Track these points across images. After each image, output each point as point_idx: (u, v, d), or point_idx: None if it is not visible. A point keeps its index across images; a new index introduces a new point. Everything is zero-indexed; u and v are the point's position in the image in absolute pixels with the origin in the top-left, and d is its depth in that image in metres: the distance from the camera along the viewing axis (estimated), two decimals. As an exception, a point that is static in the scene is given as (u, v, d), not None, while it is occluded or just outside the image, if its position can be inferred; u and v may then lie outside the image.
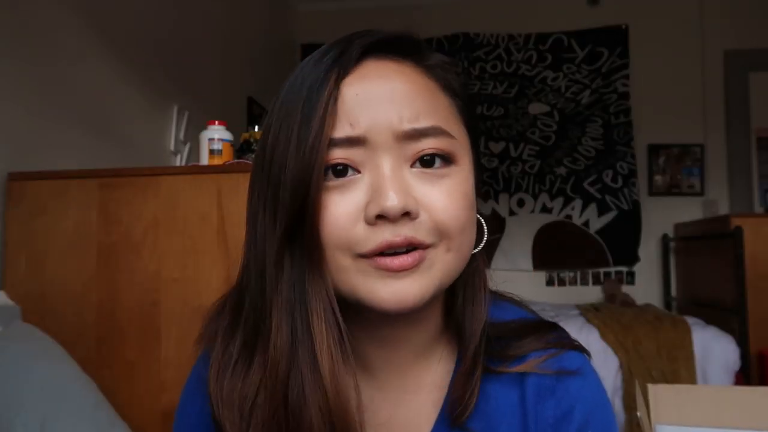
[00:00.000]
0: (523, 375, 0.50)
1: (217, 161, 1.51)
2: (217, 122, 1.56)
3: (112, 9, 1.72)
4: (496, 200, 3.41)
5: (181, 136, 2.09)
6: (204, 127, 1.57)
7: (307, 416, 0.42)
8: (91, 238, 1.25)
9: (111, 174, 1.28)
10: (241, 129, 1.92)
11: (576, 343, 0.53)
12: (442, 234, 0.44)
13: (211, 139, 1.53)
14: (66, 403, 0.93)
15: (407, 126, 0.43)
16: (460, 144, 0.46)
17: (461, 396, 0.48)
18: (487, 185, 3.43)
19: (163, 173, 1.26)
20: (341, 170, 0.43)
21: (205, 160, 1.54)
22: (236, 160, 1.46)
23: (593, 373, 0.52)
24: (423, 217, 0.43)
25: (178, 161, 2.06)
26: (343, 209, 0.43)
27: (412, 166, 0.44)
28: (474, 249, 0.49)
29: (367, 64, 0.45)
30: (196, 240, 1.22)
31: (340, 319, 0.44)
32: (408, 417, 0.51)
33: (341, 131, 0.43)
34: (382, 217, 0.42)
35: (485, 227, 0.49)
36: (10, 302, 1.14)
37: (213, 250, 1.21)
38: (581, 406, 0.49)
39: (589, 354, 0.53)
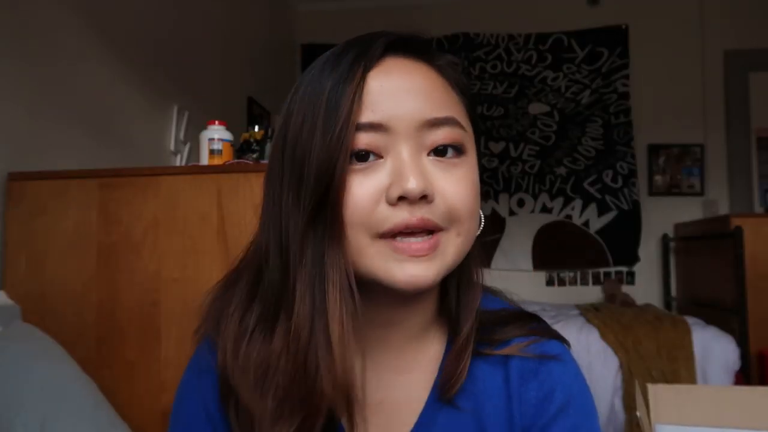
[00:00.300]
0: (507, 358, 0.54)
1: (217, 161, 1.51)
2: (217, 122, 1.56)
3: (112, 9, 1.72)
4: (496, 200, 3.41)
5: (181, 136, 2.09)
6: (204, 127, 1.57)
7: (320, 383, 0.46)
8: (91, 238, 1.25)
9: (111, 174, 1.28)
10: (241, 129, 1.92)
11: (556, 333, 0.57)
12: (453, 218, 0.48)
13: (211, 139, 1.53)
14: (66, 403, 0.93)
15: (428, 115, 0.47)
16: (469, 136, 0.51)
17: (452, 372, 0.52)
18: (487, 185, 3.43)
19: (163, 173, 1.26)
20: (364, 155, 0.47)
21: (205, 160, 1.54)
22: (236, 160, 1.46)
23: (573, 360, 0.56)
24: (438, 201, 0.47)
25: (178, 161, 2.06)
26: (366, 190, 0.46)
27: (428, 154, 0.48)
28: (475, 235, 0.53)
29: (387, 60, 0.49)
30: (196, 240, 1.22)
31: (356, 290, 0.47)
32: (402, 395, 0.55)
33: (365, 117, 0.46)
34: (402, 199, 0.46)
35: (482, 217, 0.53)
36: (10, 302, 1.14)
37: (213, 250, 1.21)
38: (562, 389, 0.53)
39: (568, 344, 0.57)
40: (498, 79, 3.50)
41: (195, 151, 2.14)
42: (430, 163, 0.48)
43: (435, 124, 0.48)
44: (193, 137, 2.11)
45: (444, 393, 0.53)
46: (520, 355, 0.53)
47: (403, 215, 0.46)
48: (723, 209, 3.22)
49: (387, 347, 0.54)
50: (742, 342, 2.22)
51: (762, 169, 3.27)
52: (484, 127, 3.49)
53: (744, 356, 2.21)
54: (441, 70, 0.51)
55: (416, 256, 0.46)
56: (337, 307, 0.46)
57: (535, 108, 3.46)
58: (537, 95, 3.46)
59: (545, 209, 3.38)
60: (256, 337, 0.50)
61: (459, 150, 0.49)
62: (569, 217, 3.35)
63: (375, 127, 0.46)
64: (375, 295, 0.49)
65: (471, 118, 0.53)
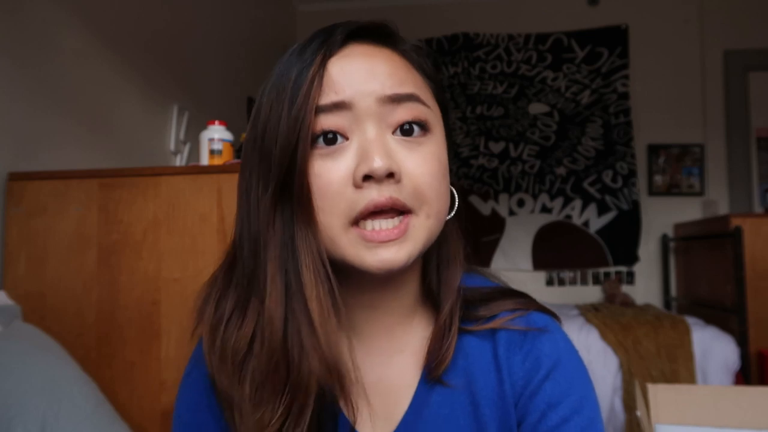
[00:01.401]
0: (494, 332, 0.55)
1: (217, 161, 1.51)
2: (217, 122, 1.56)
3: (111, 9, 1.72)
4: (496, 200, 3.41)
5: (181, 136, 2.09)
6: (204, 127, 1.57)
7: (306, 362, 0.46)
8: (91, 238, 1.25)
9: (111, 174, 1.28)
10: (241, 129, 1.92)
11: (541, 306, 0.57)
12: (421, 199, 0.48)
13: (211, 139, 1.53)
14: (66, 403, 0.93)
15: (389, 91, 0.48)
16: (434, 114, 0.51)
17: (437, 352, 0.53)
18: (487, 185, 3.43)
19: (163, 173, 1.26)
20: (331, 138, 0.47)
21: (205, 160, 1.54)
22: (236, 160, 1.46)
23: (559, 330, 0.56)
24: (405, 181, 0.47)
25: (178, 161, 2.06)
26: (335, 174, 0.47)
27: (393, 133, 0.48)
28: (447, 216, 0.53)
29: (350, 46, 0.50)
30: (196, 240, 1.22)
31: (330, 271, 0.47)
32: (395, 377, 0.55)
33: (328, 98, 0.47)
34: (369, 178, 0.46)
35: (456, 196, 0.54)
36: (10, 302, 1.14)
37: (213, 250, 1.21)
38: (547, 356, 0.53)
39: (556, 316, 0.57)
40: (498, 79, 3.50)
41: (195, 151, 2.14)
42: (395, 141, 0.48)
43: (397, 100, 0.48)
44: (193, 137, 2.11)
45: (431, 373, 0.53)
46: (505, 327, 0.54)
47: (371, 195, 0.46)
48: (723, 209, 3.22)
49: (376, 330, 0.55)
50: (742, 342, 2.22)
51: (762, 169, 3.27)
52: (484, 127, 3.48)
53: (744, 356, 2.21)
54: (405, 54, 0.52)
55: (387, 241, 0.47)
56: (314, 287, 0.46)
57: (535, 108, 3.46)
58: (537, 95, 3.46)
59: (545, 209, 3.38)
60: (232, 324, 0.50)
61: (423, 127, 0.49)
62: (569, 217, 3.35)
63: (338, 106, 0.47)
64: (354, 278, 0.50)
65: (439, 100, 0.53)
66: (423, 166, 0.48)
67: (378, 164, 0.45)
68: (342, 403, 0.48)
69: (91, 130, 1.60)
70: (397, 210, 0.47)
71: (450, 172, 0.53)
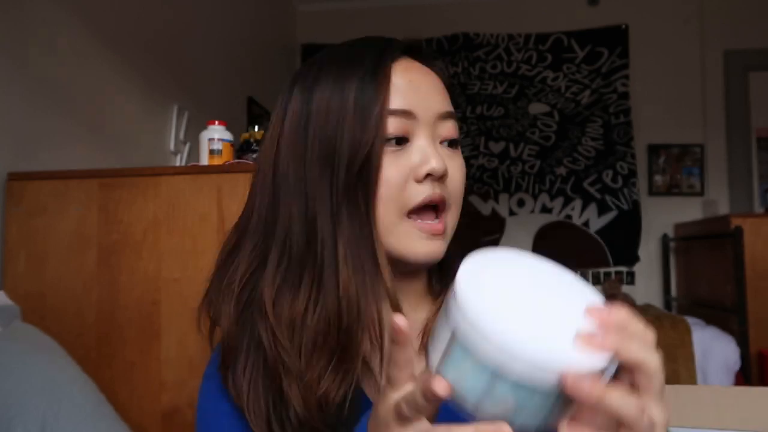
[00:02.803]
0: None
1: (217, 161, 1.51)
2: (217, 122, 1.56)
3: (111, 9, 1.72)
4: (496, 200, 3.41)
5: (181, 136, 2.09)
6: (204, 127, 1.57)
7: (359, 335, 0.52)
8: (91, 238, 1.25)
9: (111, 174, 1.28)
10: (241, 129, 1.92)
11: None
12: (455, 200, 0.58)
13: (211, 139, 1.53)
14: (66, 403, 0.93)
15: (443, 108, 0.57)
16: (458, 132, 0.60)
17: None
18: (487, 185, 3.43)
19: (163, 173, 1.26)
20: (400, 139, 0.55)
21: (205, 160, 1.53)
22: (236, 160, 1.46)
23: None
24: (448, 183, 0.56)
25: (178, 161, 2.06)
26: (399, 170, 0.54)
27: (440, 143, 0.58)
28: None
29: (406, 60, 0.57)
30: (196, 240, 1.22)
31: (385, 262, 0.53)
32: None
33: (396, 104, 0.54)
34: (427, 176, 0.54)
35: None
36: (10, 302, 1.14)
37: (213, 250, 1.20)
38: None
39: None
40: (498, 79, 3.50)
41: (195, 151, 2.14)
42: (442, 149, 0.57)
43: (446, 117, 0.57)
44: (193, 137, 2.10)
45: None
46: None
47: (427, 191, 0.54)
48: (723, 209, 3.21)
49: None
50: (742, 342, 2.22)
51: (762, 169, 3.27)
52: (484, 127, 3.48)
53: (744, 356, 2.21)
54: (440, 74, 0.60)
55: (435, 234, 0.55)
56: (367, 273, 0.52)
57: (535, 108, 3.46)
58: (537, 95, 3.46)
59: (545, 209, 3.38)
60: (285, 297, 0.54)
61: (455, 144, 0.59)
62: (569, 217, 3.35)
63: (405, 113, 0.54)
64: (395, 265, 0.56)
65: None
66: (459, 173, 0.58)
67: (439, 165, 0.54)
68: (365, 383, 0.55)
69: (91, 130, 1.60)
70: (439, 208, 0.56)
71: None
